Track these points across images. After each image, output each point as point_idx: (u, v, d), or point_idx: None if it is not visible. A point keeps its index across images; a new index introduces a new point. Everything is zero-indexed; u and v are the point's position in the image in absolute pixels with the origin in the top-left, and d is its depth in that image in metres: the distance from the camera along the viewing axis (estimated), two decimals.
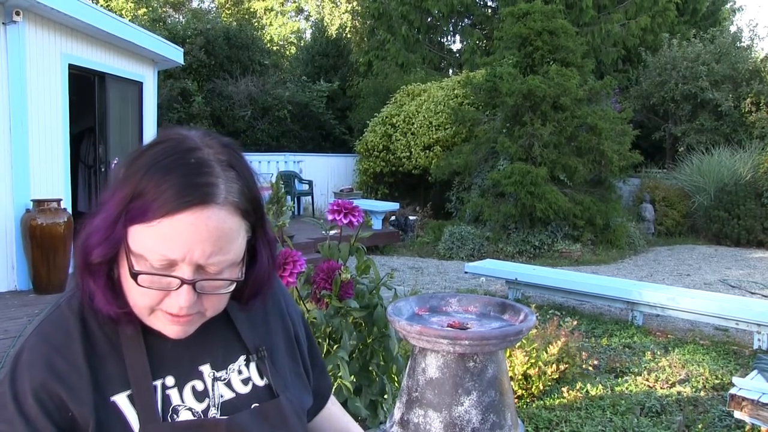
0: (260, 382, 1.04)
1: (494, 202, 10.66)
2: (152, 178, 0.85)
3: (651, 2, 16.12)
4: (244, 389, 1.02)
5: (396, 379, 2.91)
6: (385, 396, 2.72)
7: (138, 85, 9.38)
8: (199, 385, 0.99)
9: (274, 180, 4.60)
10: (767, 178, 11.76)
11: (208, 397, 0.98)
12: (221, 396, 1.00)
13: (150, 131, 9.86)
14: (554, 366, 4.47)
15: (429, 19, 18.21)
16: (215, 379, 1.00)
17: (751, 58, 15.15)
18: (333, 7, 24.70)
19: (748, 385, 3.82)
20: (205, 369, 1.00)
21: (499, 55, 12.59)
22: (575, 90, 10.54)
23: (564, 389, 4.53)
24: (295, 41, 24.73)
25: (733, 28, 17.44)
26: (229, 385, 1.01)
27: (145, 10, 18.32)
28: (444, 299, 0.95)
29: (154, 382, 0.94)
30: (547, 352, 4.46)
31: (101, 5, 16.50)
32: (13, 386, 0.89)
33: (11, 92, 6.42)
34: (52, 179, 7.15)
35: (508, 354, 4.26)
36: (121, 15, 15.42)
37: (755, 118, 13.79)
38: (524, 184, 9.95)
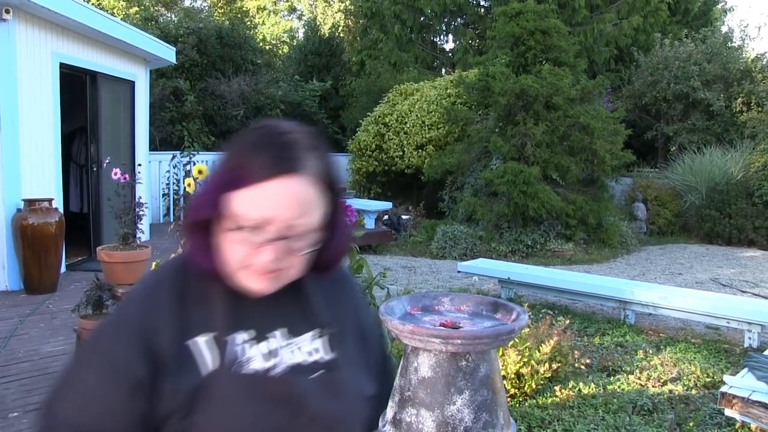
0: (326, 357, 1.14)
1: (487, 201, 10.67)
2: (251, 153, 1.03)
3: (643, 2, 16.17)
4: (310, 359, 1.12)
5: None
6: None
7: (130, 84, 9.35)
8: (270, 345, 1.10)
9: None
10: (758, 177, 11.81)
11: (276, 358, 1.09)
12: (288, 360, 1.10)
13: (142, 130, 9.83)
14: (547, 365, 4.48)
15: (422, 19, 18.20)
16: (286, 344, 1.12)
17: (742, 58, 15.23)
18: (326, 6, 24.70)
19: (739, 383, 3.84)
20: (278, 333, 1.12)
21: (491, 55, 12.61)
22: (568, 89, 10.55)
23: (556, 388, 4.54)
24: (287, 40, 24.70)
25: (724, 28, 17.51)
26: (297, 352, 1.12)
27: (137, 8, 18.27)
28: (436, 298, 0.95)
29: (233, 334, 1.08)
30: (539, 351, 4.47)
31: (92, 4, 16.44)
32: (114, 320, 1.11)
33: (1, 91, 6.39)
34: (44, 178, 7.12)
35: (501, 353, 4.27)
36: (112, 14, 15.37)
37: (746, 118, 13.85)
38: (517, 184, 9.96)
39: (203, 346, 1.06)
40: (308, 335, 1.14)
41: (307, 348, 1.13)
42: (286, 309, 1.14)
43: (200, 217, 1.06)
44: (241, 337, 1.08)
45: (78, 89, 8.35)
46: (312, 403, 1.07)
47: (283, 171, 1.01)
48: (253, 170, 1.01)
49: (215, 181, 1.06)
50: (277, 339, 1.11)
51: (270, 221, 1.01)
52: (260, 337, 1.10)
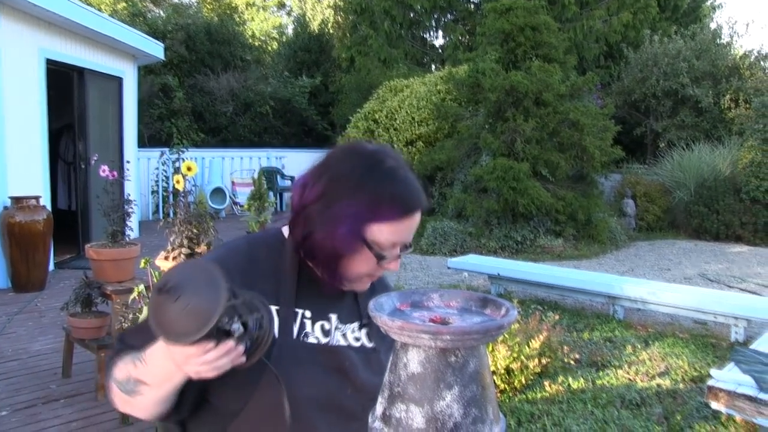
0: (368, 344, 1.32)
1: (477, 197, 10.67)
2: (391, 193, 1.18)
3: None
4: (355, 344, 1.30)
5: None
6: None
7: (118, 81, 9.30)
8: (326, 326, 1.27)
9: (256, 176, 4.59)
10: (745, 173, 11.87)
11: (329, 337, 1.27)
12: (338, 341, 1.28)
13: (130, 127, 9.79)
14: (536, 360, 4.50)
15: (411, 15, 18.18)
16: (336, 327, 1.28)
17: (731, 54, 15.29)
18: (315, 2, 24.59)
19: (725, 376, 3.87)
20: (333, 317, 1.29)
21: (481, 51, 12.61)
22: (557, 86, 10.57)
23: (546, 383, 4.56)
24: (276, 36, 24.60)
25: (713, 25, 17.56)
26: (344, 337, 1.29)
27: (124, 4, 18.16)
28: (425, 294, 0.96)
29: (297, 309, 1.24)
30: (529, 347, 4.49)
31: None
32: (214, 259, 1.23)
33: None
34: (31, 176, 7.08)
35: (490, 348, 4.28)
36: (99, 9, 15.27)
37: (734, 115, 13.91)
38: (507, 180, 9.97)
39: (274, 313, 1.19)
40: (355, 324, 1.32)
41: (354, 335, 1.31)
42: (339, 300, 1.31)
43: (348, 252, 1.20)
44: (303, 313, 1.25)
45: (65, 86, 8.30)
46: (360, 374, 1.25)
47: (417, 208, 1.22)
48: (398, 209, 1.18)
49: (353, 219, 1.18)
50: (331, 322, 1.28)
51: (401, 244, 1.22)
52: (319, 316, 1.27)
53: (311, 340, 1.24)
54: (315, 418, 1.19)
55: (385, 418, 0.86)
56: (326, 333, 1.27)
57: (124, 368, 1.14)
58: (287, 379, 1.16)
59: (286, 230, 1.31)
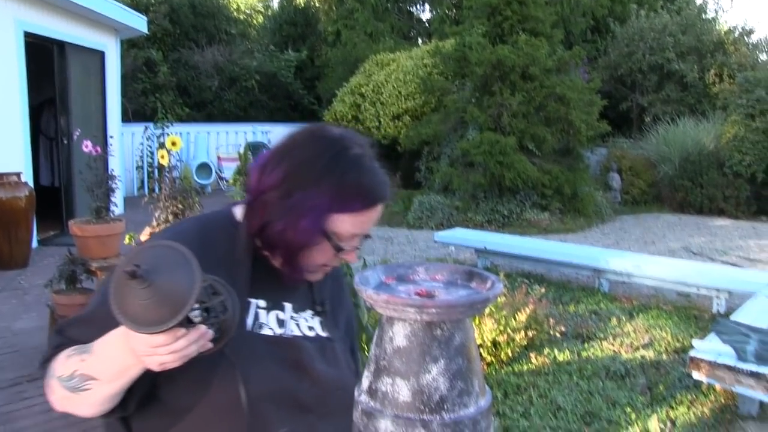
0: (322, 333, 1.26)
1: (463, 171, 10.68)
2: (355, 183, 1.13)
3: None
4: (309, 333, 1.24)
5: (367, 348, 2.92)
6: None
7: (100, 55, 9.18)
8: (281, 315, 1.21)
9: (242, 151, 4.55)
10: (729, 148, 11.93)
11: (284, 327, 1.21)
12: (291, 331, 1.22)
13: (114, 102, 9.68)
14: (522, 333, 4.54)
15: None
16: (290, 317, 1.23)
17: (716, 30, 15.31)
18: None
19: (706, 347, 3.92)
20: (287, 306, 1.23)
21: (468, 25, 12.51)
22: (544, 60, 10.54)
23: (532, 355, 4.61)
24: (262, 10, 24.32)
25: (698, 0, 17.52)
26: (298, 326, 1.23)
27: None
28: (411, 268, 0.96)
29: (250, 299, 1.17)
30: (515, 320, 4.52)
31: None
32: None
33: None
34: (11, 152, 6.99)
35: (477, 321, 4.31)
36: None
37: (718, 89, 13.95)
38: (493, 154, 9.98)
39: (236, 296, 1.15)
40: (308, 313, 1.27)
41: (307, 324, 1.25)
42: (293, 288, 1.25)
43: (309, 242, 1.14)
44: (257, 303, 1.19)
45: (45, 60, 8.18)
46: (316, 367, 1.19)
47: (382, 200, 1.16)
48: (359, 197, 1.13)
49: (315, 211, 1.12)
50: (285, 311, 1.23)
51: (361, 235, 1.18)
52: (273, 306, 1.21)
53: (266, 331, 1.18)
54: (270, 413, 1.12)
55: (371, 392, 0.87)
56: (281, 323, 1.21)
57: (67, 363, 1.05)
58: (242, 374, 1.09)
59: (237, 212, 1.24)
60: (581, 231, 10.30)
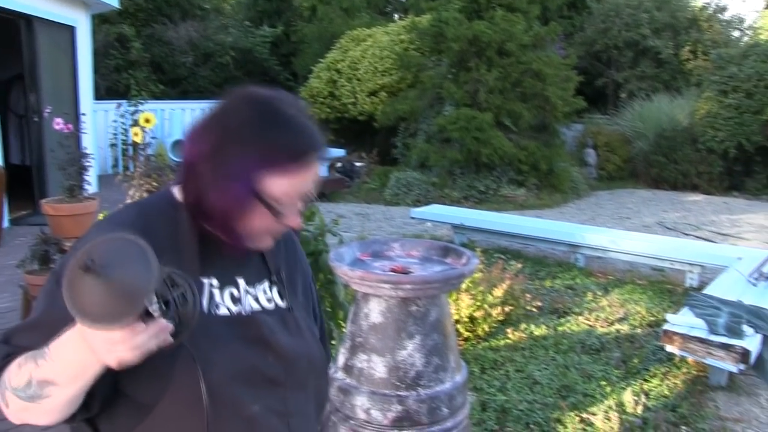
0: (281, 303, 1.23)
1: (440, 147, 10.68)
2: (282, 139, 1.08)
3: None
4: (268, 305, 1.21)
5: (343, 324, 2.92)
6: (333, 342, 2.74)
7: (70, 30, 8.99)
8: (235, 292, 1.17)
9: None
10: (702, 124, 12.05)
11: (241, 304, 1.17)
12: (250, 306, 1.18)
13: (86, 79, 9.51)
14: (499, 308, 4.57)
15: None
16: (247, 291, 1.19)
17: (690, 6, 15.39)
18: None
19: (679, 320, 3.99)
20: (241, 281, 1.19)
21: (444, 0, 12.45)
22: (520, 36, 10.52)
23: (509, 330, 4.65)
24: None
25: None
26: (256, 299, 1.20)
27: None
28: (387, 244, 0.95)
29: (202, 278, 1.12)
30: (492, 295, 4.55)
31: None
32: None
33: None
34: None
35: (454, 297, 4.33)
36: None
37: (693, 66, 14.06)
38: (470, 130, 9.98)
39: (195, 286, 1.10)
40: (264, 284, 1.23)
41: (266, 296, 1.22)
42: (244, 260, 1.21)
43: (239, 206, 1.09)
44: (210, 282, 1.14)
45: (12, 35, 7.99)
46: (279, 340, 1.16)
47: (313, 156, 1.11)
48: (291, 156, 1.09)
49: (244, 172, 1.07)
50: (239, 287, 1.18)
51: (300, 197, 1.13)
52: (226, 283, 1.17)
53: (222, 311, 1.14)
54: (239, 393, 1.11)
55: (347, 369, 0.87)
56: (236, 300, 1.17)
57: (21, 372, 0.98)
58: (204, 359, 1.05)
59: (176, 191, 1.18)
60: (557, 207, 10.37)
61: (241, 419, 1.11)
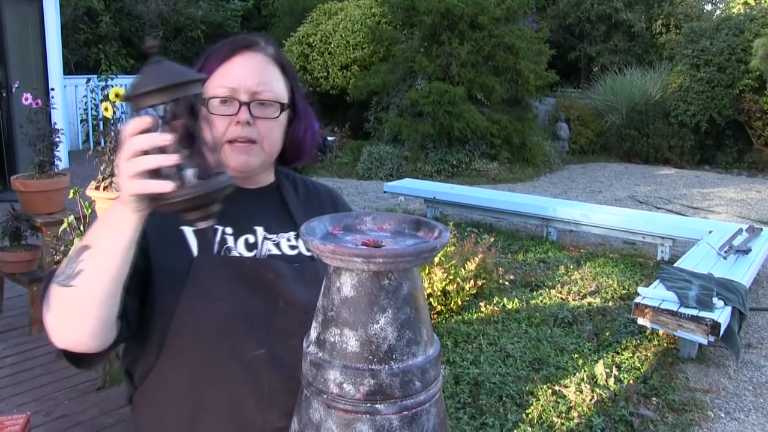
0: (306, 253, 1.24)
1: (412, 121, 10.66)
2: (213, 49, 1.24)
3: None
4: (290, 252, 1.24)
5: None
6: None
7: (37, 4, 8.80)
8: (251, 239, 1.22)
9: None
10: (674, 98, 12.15)
11: (256, 249, 1.22)
12: (268, 251, 1.22)
13: (54, 53, 9.33)
14: (472, 282, 4.60)
15: None
16: (266, 238, 1.23)
17: None
18: None
19: (651, 293, 4.05)
20: (259, 229, 1.24)
21: None
22: (493, 9, 10.49)
23: (482, 304, 4.68)
24: None
25: None
26: (277, 246, 1.24)
27: None
28: (358, 218, 0.95)
29: (216, 226, 1.19)
30: (465, 269, 4.58)
31: None
32: None
33: None
34: None
35: (426, 271, 4.35)
36: None
37: (665, 40, 14.13)
38: (442, 104, 9.97)
39: (190, 234, 1.18)
40: (288, 234, 1.26)
41: (289, 243, 1.25)
42: (264, 212, 1.26)
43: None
44: (224, 230, 1.20)
45: None
46: (289, 286, 1.17)
47: (242, 47, 1.22)
48: (217, 57, 1.21)
49: None
50: (257, 234, 1.23)
51: (238, 89, 1.17)
52: (242, 231, 1.22)
53: (233, 254, 1.19)
54: (242, 333, 1.13)
55: (320, 343, 0.87)
56: (251, 246, 1.21)
57: (65, 260, 0.99)
58: (207, 295, 1.12)
59: None
60: (529, 180, 10.43)
61: (240, 361, 1.12)
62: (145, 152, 0.87)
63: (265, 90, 1.20)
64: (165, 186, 0.86)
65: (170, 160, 0.87)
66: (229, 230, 1.21)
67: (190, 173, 0.89)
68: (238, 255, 1.19)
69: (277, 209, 1.29)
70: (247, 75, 1.19)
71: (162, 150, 0.88)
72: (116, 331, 1.04)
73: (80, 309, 0.96)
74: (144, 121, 0.88)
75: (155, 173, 0.87)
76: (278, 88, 1.23)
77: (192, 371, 1.13)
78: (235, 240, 1.21)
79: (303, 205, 1.32)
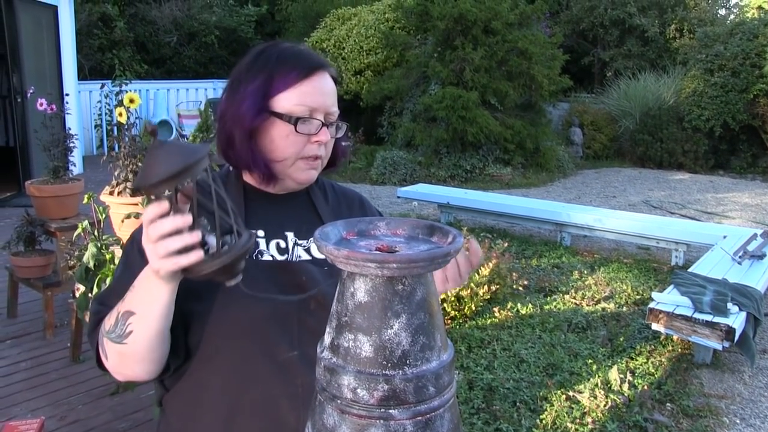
0: None
1: (426, 126, 10.65)
2: (284, 62, 1.20)
3: None
4: (320, 256, 1.24)
5: None
6: None
7: (52, 9, 8.88)
8: (282, 243, 1.25)
9: (202, 108, 4.47)
10: (688, 102, 12.08)
11: (288, 254, 1.24)
12: (299, 256, 1.25)
13: (69, 59, 9.41)
14: (486, 287, 4.59)
15: None
16: (296, 243, 1.26)
17: None
18: None
19: (665, 299, 4.02)
20: (290, 235, 1.26)
21: None
22: (506, 14, 10.48)
23: (495, 309, 4.67)
24: None
25: None
26: (308, 251, 1.26)
27: None
28: (372, 223, 0.95)
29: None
30: (479, 274, 4.56)
31: None
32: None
33: None
34: None
35: None
36: None
37: (679, 44, 14.07)
38: (455, 109, 9.96)
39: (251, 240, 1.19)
40: None
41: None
42: (296, 216, 1.29)
43: (256, 124, 1.19)
44: (256, 233, 1.21)
45: None
46: (320, 289, 1.20)
47: (317, 68, 1.22)
48: (294, 73, 1.19)
49: (255, 91, 1.19)
50: (288, 239, 1.26)
51: (318, 110, 1.20)
52: (273, 235, 1.25)
53: (266, 258, 1.22)
54: (273, 336, 1.16)
55: (334, 348, 0.86)
56: (282, 251, 1.24)
57: (111, 315, 1.10)
58: (241, 298, 1.14)
59: None
60: (543, 185, 10.40)
61: (274, 362, 1.15)
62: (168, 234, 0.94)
63: (336, 111, 1.25)
64: (194, 258, 0.94)
65: (193, 238, 0.94)
66: (260, 233, 1.24)
67: (213, 241, 0.97)
68: (270, 258, 1.22)
69: (306, 214, 1.31)
70: (326, 96, 1.22)
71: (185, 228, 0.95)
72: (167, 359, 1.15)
73: (135, 358, 1.09)
74: (162, 207, 0.93)
75: (182, 250, 0.94)
76: (337, 110, 1.27)
77: (226, 373, 1.16)
78: (267, 243, 1.24)
79: (333, 210, 1.35)
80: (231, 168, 1.29)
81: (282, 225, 1.27)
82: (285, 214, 1.28)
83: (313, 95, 1.20)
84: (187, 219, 0.93)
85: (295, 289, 1.19)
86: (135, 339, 1.06)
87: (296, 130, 1.18)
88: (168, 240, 0.93)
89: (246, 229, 1.00)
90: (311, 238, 1.26)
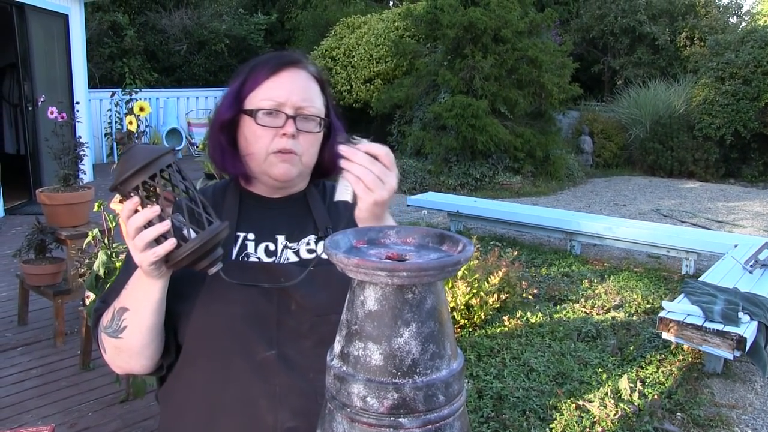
0: (323, 255, 1.25)
1: (435, 135, 10.66)
2: (258, 63, 1.28)
3: None
4: (308, 256, 1.29)
5: None
6: None
7: (63, 18, 8.95)
8: (271, 246, 1.28)
9: (212, 116, 4.49)
10: (699, 111, 12.03)
11: (275, 257, 1.28)
12: (287, 259, 1.28)
13: (79, 67, 9.48)
14: (495, 295, 4.58)
15: None
16: (286, 246, 1.29)
17: None
18: None
19: (675, 308, 3.99)
20: (280, 237, 1.29)
21: None
22: (516, 22, 10.49)
23: (505, 318, 4.65)
24: None
25: None
26: (297, 253, 1.29)
27: None
28: (382, 231, 0.95)
29: (238, 233, 1.28)
30: (488, 282, 4.55)
31: None
32: None
33: None
34: None
35: (450, 285, 4.33)
36: None
37: (689, 52, 14.03)
38: (465, 117, 9.96)
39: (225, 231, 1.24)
40: (308, 239, 1.32)
41: (307, 248, 1.31)
42: (288, 221, 1.32)
43: (225, 118, 1.27)
44: (245, 236, 1.28)
45: (4, 23, 7.95)
46: (300, 290, 1.21)
47: (287, 64, 1.27)
48: (262, 71, 1.26)
49: (232, 91, 1.28)
50: (278, 242, 1.29)
51: (284, 103, 1.24)
52: (263, 239, 1.28)
53: (252, 260, 1.26)
54: (252, 335, 1.19)
55: (343, 356, 0.86)
56: (271, 254, 1.28)
57: (108, 311, 1.19)
58: (221, 298, 1.19)
59: None
60: (553, 194, 10.38)
61: (252, 362, 1.18)
62: (144, 227, 1.04)
63: (309, 105, 1.27)
64: (169, 245, 1.03)
65: (163, 226, 1.04)
66: (251, 236, 1.28)
67: (185, 230, 1.06)
68: (256, 260, 1.26)
69: (301, 216, 1.34)
70: (293, 90, 1.25)
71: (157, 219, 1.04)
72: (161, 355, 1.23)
73: (129, 352, 1.18)
74: (133, 202, 1.04)
75: (159, 241, 1.04)
76: (319, 104, 1.30)
77: (207, 371, 1.19)
78: (256, 246, 1.27)
79: (328, 210, 1.37)
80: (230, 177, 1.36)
81: (274, 229, 1.30)
82: (278, 218, 1.32)
83: (279, 89, 1.24)
84: (155, 209, 1.02)
85: (275, 290, 1.22)
86: (129, 333, 1.15)
87: (256, 122, 1.23)
88: (143, 232, 1.03)
89: (217, 219, 1.08)
90: (302, 240, 1.31)
